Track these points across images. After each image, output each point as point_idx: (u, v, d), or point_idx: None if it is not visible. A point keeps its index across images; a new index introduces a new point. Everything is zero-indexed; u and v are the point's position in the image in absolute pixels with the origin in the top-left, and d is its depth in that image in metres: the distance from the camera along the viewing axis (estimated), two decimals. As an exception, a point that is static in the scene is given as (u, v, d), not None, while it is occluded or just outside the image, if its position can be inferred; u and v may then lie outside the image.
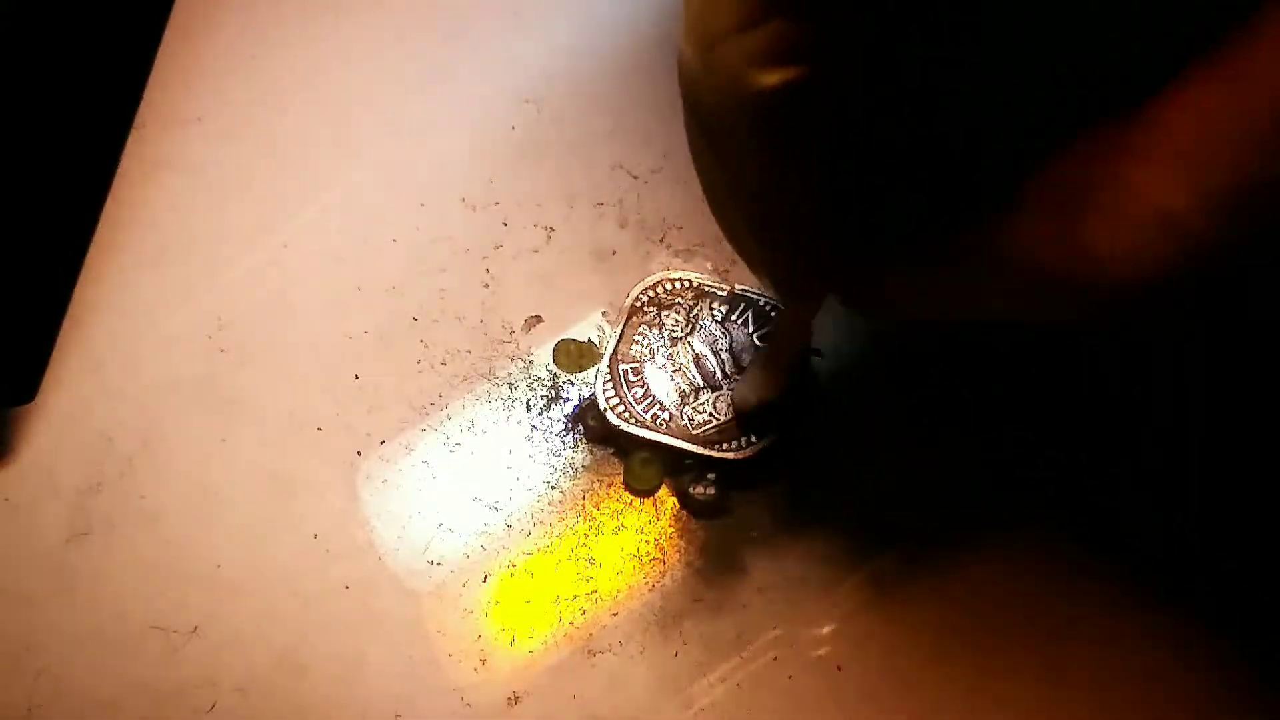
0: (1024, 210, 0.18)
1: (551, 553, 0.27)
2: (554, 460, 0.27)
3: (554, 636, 0.26)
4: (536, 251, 0.30)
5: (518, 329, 0.29)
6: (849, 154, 0.19)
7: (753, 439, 0.26)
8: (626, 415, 0.26)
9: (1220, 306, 0.18)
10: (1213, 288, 0.17)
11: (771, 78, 0.17)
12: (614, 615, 0.26)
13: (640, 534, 0.27)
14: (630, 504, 0.27)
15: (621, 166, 0.31)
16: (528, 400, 0.28)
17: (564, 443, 0.28)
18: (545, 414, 0.28)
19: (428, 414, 0.28)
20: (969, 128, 0.20)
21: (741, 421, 0.26)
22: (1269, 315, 0.18)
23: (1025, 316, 0.19)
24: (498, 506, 0.27)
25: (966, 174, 0.19)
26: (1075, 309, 0.18)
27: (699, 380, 0.27)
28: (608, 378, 0.27)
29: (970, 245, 0.19)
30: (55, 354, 0.28)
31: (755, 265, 0.22)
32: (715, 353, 0.27)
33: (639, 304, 0.28)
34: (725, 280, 0.28)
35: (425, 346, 0.29)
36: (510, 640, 0.26)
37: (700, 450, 0.26)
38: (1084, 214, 0.17)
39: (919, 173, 0.20)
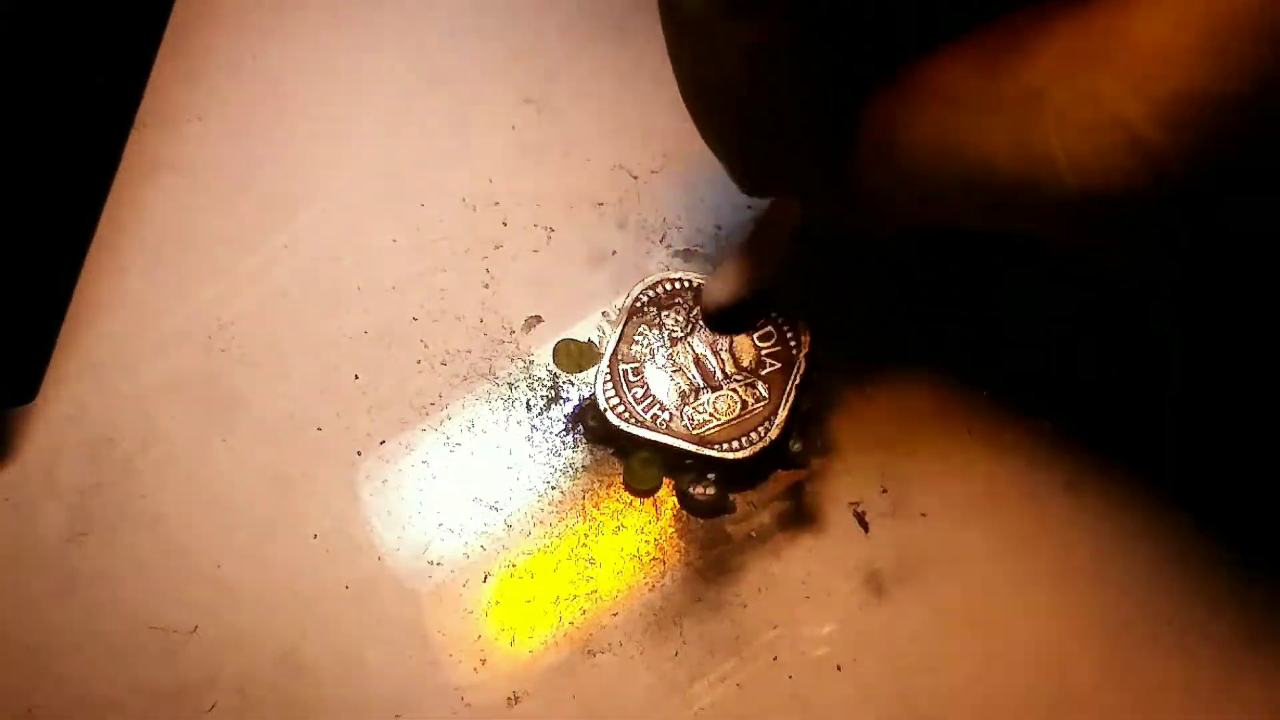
0: (965, 103, 0.18)
1: (551, 553, 0.27)
2: (554, 460, 0.27)
3: (554, 636, 0.26)
4: (536, 251, 0.30)
5: (518, 329, 0.29)
6: (818, 42, 0.19)
7: (753, 439, 0.26)
8: (626, 415, 0.26)
9: (1185, 234, 0.17)
10: (1175, 210, 0.16)
11: None
12: (614, 615, 0.26)
13: (640, 534, 0.27)
14: (630, 504, 0.27)
15: (621, 166, 0.31)
16: (528, 400, 0.28)
17: (564, 443, 0.28)
18: (545, 414, 0.28)
19: (428, 414, 0.28)
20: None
21: (709, 322, 0.26)
22: (1240, 254, 0.18)
23: (990, 223, 0.19)
24: (498, 506, 0.27)
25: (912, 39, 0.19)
26: (1034, 218, 0.18)
27: (699, 380, 0.27)
28: (608, 378, 0.27)
29: (919, 135, 0.19)
30: (55, 354, 0.28)
31: (732, 163, 0.22)
32: (715, 353, 0.27)
33: (639, 304, 0.28)
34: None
35: (425, 346, 0.29)
36: (510, 640, 0.26)
37: (700, 450, 0.26)
38: (1039, 114, 0.16)
39: (856, 55, 0.19)
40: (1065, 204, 0.17)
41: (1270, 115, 0.15)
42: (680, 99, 0.21)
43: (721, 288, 0.26)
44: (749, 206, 0.30)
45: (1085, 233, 0.17)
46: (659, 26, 0.20)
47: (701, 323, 0.27)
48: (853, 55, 0.19)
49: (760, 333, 0.27)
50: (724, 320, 0.26)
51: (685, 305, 0.28)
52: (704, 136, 0.22)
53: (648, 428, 0.26)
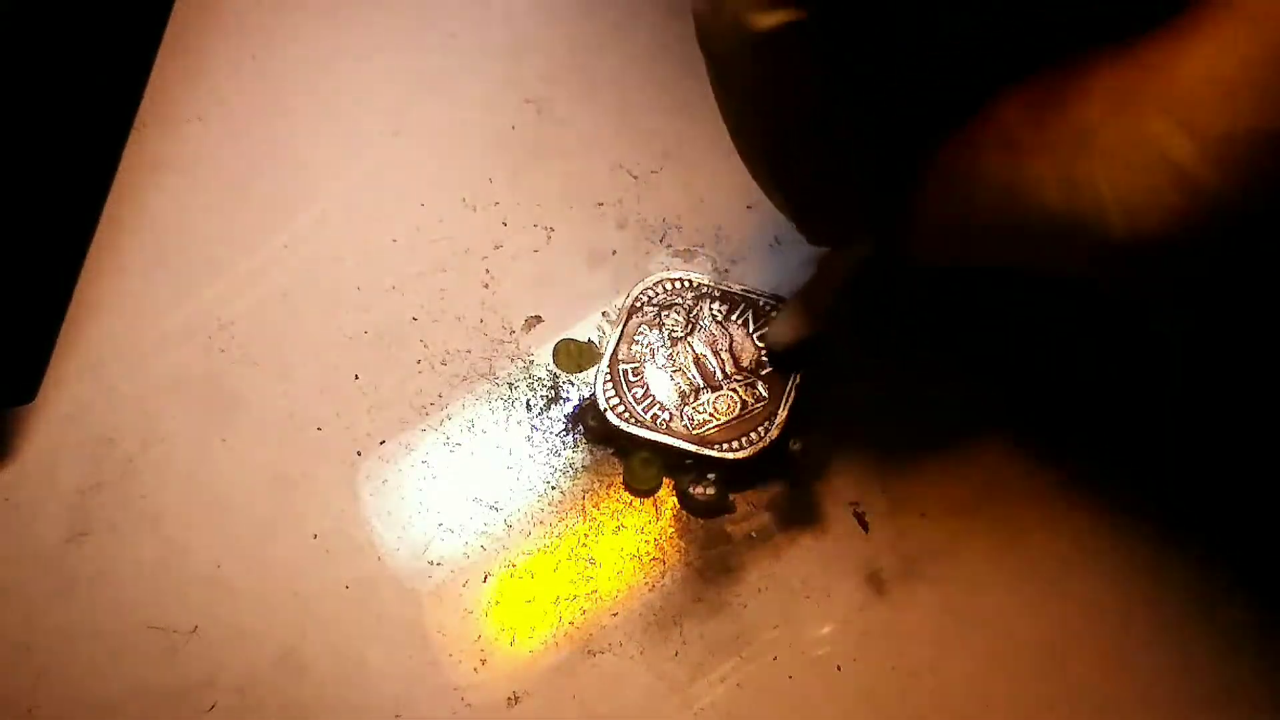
0: (1021, 145, 0.18)
1: (551, 553, 0.27)
2: (554, 460, 0.27)
3: (554, 636, 0.26)
4: (536, 251, 0.30)
5: (518, 329, 0.29)
6: (845, 91, 0.19)
7: (753, 439, 0.26)
8: (626, 415, 0.26)
9: (1230, 271, 0.17)
10: (1222, 248, 0.16)
11: (769, 19, 0.17)
12: (614, 615, 0.26)
13: (640, 534, 0.27)
14: (630, 504, 0.27)
15: (621, 166, 0.31)
16: (528, 400, 0.28)
17: (564, 443, 0.28)
18: (545, 414, 0.28)
19: (428, 414, 0.28)
20: (951, 57, 0.19)
21: (774, 360, 0.27)
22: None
23: (1040, 263, 0.19)
24: (498, 506, 0.27)
25: (951, 100, 0.19)
26: (1085, 260, 0.18)
27: (699, 380, 0.27)
28: (608, 378, 0.27)
29: (965, 172, 0.19)
30: (55, 354, 0.28)
31: (782, 207, 0.22)
32: (715, 353, 0.27)
33: (639, 304, 0.28)
34: (725, 280, 0.28)
35: (425, 346, 0.29)
36: (510, 640, 0.26)
37: (700, 450, 0.26)
38: (1087, 155, 0.17)
39: (909, 105, 0.20)
40: (1114, 245, 0.17)
41: None
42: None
43: (783, 330, 0.26)
44: (749, 207, 0.30)
45: (1135, 274, 0.18)
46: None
47: (702, 325, 0.27)
48: (897, 97, 0.20)
49: (760, 333, 0.27)
50: (788, 359, 0.27)
51: (685, 305, 0.28)
52: (757, 181, 0.22)
53: (648, 428, 0.26)
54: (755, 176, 0.22)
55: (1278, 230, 0.16)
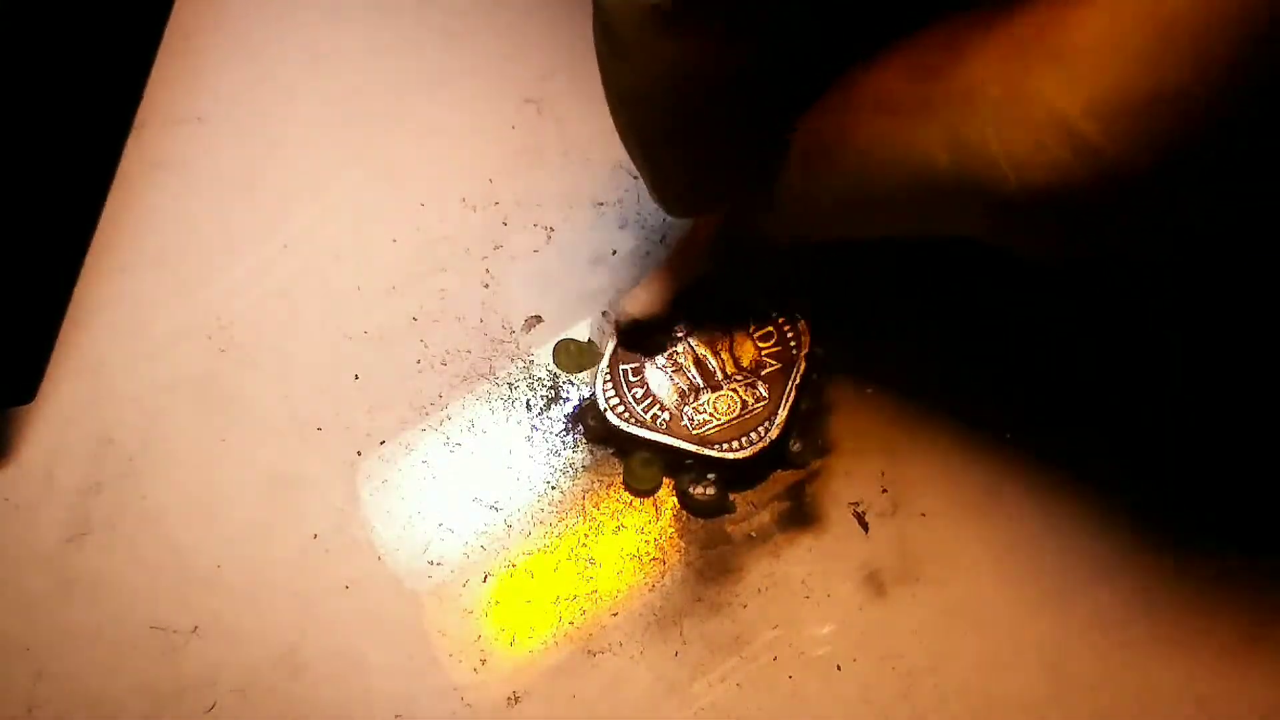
0: (902, 107, 0.17)
1: (551, 553, 0.27)
2: (554, 460, 0.27)
3: (554, 636, 0.26)
4: (536, 251, 0.30)
5: (518, 329, 0.29)
6: (750, 60, 0.19)
7: (753, 439, 0.26)
8: (626, 415, 0.26)
9: (1128, 234, 0.17)
10: (1115, 206, 0.16)
11: None
12: (614, 615, 0.26)
13: (640, 534, 0.27)
14: (630, 504, 0.27)
15: (621, 166, 0.31)
16: (528, 400, 0.28)
17: (564, 443, 0.28)
18: (545, 414, 0.28)
19: (428, 414, 0.28)
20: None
21: (622, 337, 0.27)
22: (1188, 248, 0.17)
23: (925, 228, 0.18)
24: (498, 506, 0.27)
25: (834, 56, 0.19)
26: (974, 219, 0.17)
27: (699, 380, 0.27)
28: (608, 378, 0.27)
29: (847, 138, 0.18)
30: (55, 354, 0.28)
31: (658, 181, 0.22)
32: (715, 353, 0.27)
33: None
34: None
35: (425, 346, 0.29)
36: (510, 640, 0.26)
37: (700, 450, 0.26)
38: (975, 113, 0.16)
39: (787, 76, 0.20)
40: (1005, 203, 0.16)
41: (1210, 111, 0.15)
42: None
43: (635, 302, 0.26)
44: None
45: (1025, 231, 0.17)
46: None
47: (702, 325, 0.27)
48: (784, 72, 0.19)
49: (760, 332, 0.27)
50: (634, 336, 0.27)
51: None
52: (631, 155, 0.22)
53: (648, 428, 0.26)
54: (631, 150, 0.22)
55: (1171, 191, 0.16)
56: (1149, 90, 0.15)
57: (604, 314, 0.29)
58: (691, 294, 0.27)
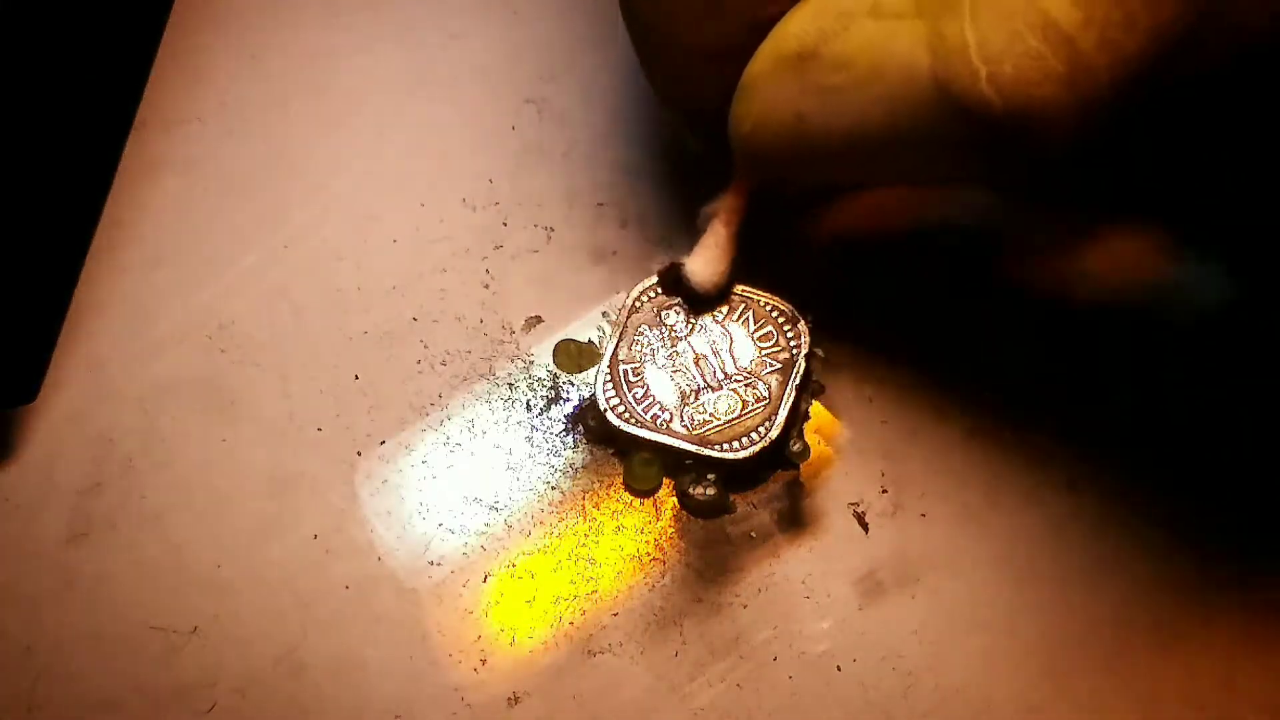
0: (882, 9, 0.17)
1: (551, 553, 0.27)
2: (554, 460, 0.27)
3: (554, 636, 0.26)
4: (536, 251, 0.30)
5: (518, 329, 0.29)
6: None
7: (753, 439, 0.26)
8: (626, 415, 0.26)
9: (1106, 156, 0.16)
10: (1098, 126, 0.16)
11: None
12: (614, 615, 0.26)
13: (640, 534, 0.27)
14: (630, 504, 0.27)
15: (622, 166, 0.31)
16: (528, 400, 0.28)
17: (564, 443, 0.28)
18: (545, 414, 0.28)
19: (428, 414, 0.28)
20: None
21: (694, 301, 0.27)
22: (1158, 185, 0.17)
23: (915, 156, 0.18)
24: (498, 506, 0.27)
25: None
26: (944, 130, 0.17)
27: (699, 380, 0.27)
28: (608, 378, 0.27)
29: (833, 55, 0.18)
30: (55, 354, 0.28)
31: (676, 100, 0.23)
32: (715, 353, 0.27)
33: (639, 304, 0.28)
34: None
35: (425, 346, 0.29)
36: (510, 640, 0.26)
37: (700, 450, 0.26)
38: (956, 8, 0.16)
39: None
40: (979, 105, 0.16)
41: (1204, 39, 0.14)
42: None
43: (703, 268, 0.26)
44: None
45: (1003, 149, 0.17)
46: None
47: (702, 325, 0.27)
48: None
49: (760, 333, 0.27)
50: (682, 292, 0.27)
51: (685, 305, 0.28)
52: (654, 76, 0.22)
53: (648, 428, 0.26)
54: (656, 73, 0.22)
55: (1141, 94, 0.15)
56: (1143, 8, 0.15)
57: (604, 314, 0.29)
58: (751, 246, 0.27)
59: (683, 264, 0.27)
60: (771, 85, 0.20)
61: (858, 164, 0.20)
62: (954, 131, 0.17)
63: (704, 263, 0.26)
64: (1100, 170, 0.17)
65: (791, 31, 0.19)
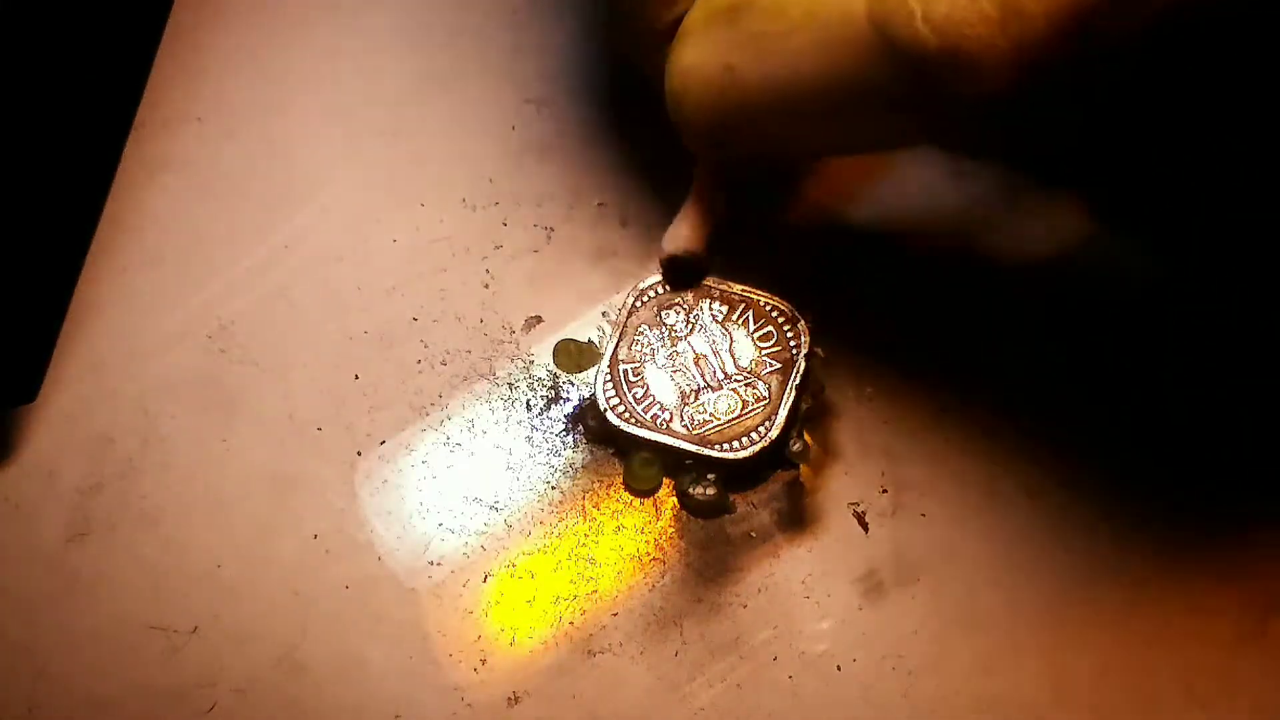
0: None
1: (551, 553, 0.27)
2: (554, 460, 0.27)
3: (554, 636, 0.26)
4: (536, 251, 0.30)
5: (518, 329, 0.29)
6: None
7: (753, 439, 0.26)
8: (627, 415, 0.26)
9: (1045, 118, 0.16)
10: (1038, 88, 0.16)
11: None
12: (614, 615, 0.26)
13: (640, 534, 0.27)
14: (630, 504, 0.27)
15: (621, 166, 0.31)
16: (528, 400, 0.28)
17: (564, 443, 0.28)
18: (545, 414, 0.28)
19: (428, 414, 0.28)
20: None
21: (669, 275, 0.27)
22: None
23: (852, 115, 0.18)
24: (498, 506, 0.27)
25: None
26: (882, 84, 0.17)
27: (699, 380, 0.27)
28: (608, 378, 0.27)
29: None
30: (55, 354, 0.28)
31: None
32: (716, 353, 0.27)
33: (639, 304, 0.28)
34: (725, 280, 0.28)
35: (425, 346, 0.29)
36: (510, 640, 0.26)
37: (700, 450, 0.26)
38: None
39: None
40: (916, 51, 0.16)
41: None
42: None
43: (686, 235, 0.26)
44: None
45: (936, 97, 0.16)
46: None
47: (702, 325, 0.27)
48: None
49: (760, 333, 0.27)
50: (680, 274, 0.27)
51: (685, 305, 0.28)
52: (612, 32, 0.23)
53: (648, 428, 0.26)
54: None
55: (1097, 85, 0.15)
56: None
57: (604, 314, 0.29)
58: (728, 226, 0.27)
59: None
60: (702, 37, 0.20)
61: (791, 124, 0.20)
62: (889, 78, 0.17)
63: (677, 232, 0.27)
64: (1037, 133, 0.17)
65: None
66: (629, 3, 0.21)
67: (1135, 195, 0.26)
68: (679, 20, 0.21)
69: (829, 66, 0.18)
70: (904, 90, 0.17)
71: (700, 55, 0.20)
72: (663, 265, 0.27)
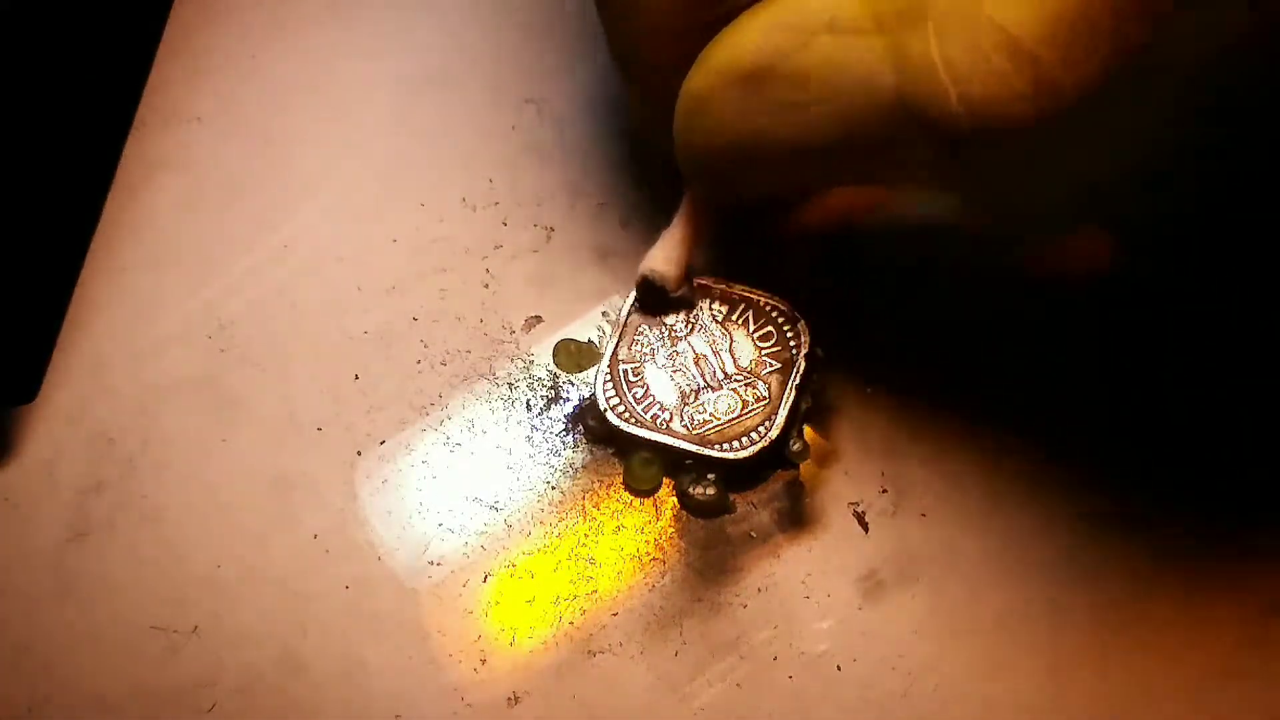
0: (838, 24, 0.17)
1: (551, 553, 0.27)
2: (554, 460, 0.27)
3: (554, 636, 0.26)
4: (536, 251, 0.30)
5: (518, 329, 0.29)
6: None
7: (753, 439, 0.26)
8: (627, 415, 0.26)
9: (1062, 161, 0.17)
10: (1056, 133, 0.16)
11: None
12: (614, 615, 0.26)
13: (640, 534, 0.27)
14: (630, 504, 0.27)
15: (623, 166, 0.31)
16: (528, 400, 0.28)
17: (564, 443, 0.28)
18: (545, 414, 0.28)
19: (428, 414, 0.28)
20: None
21: (642, 299, 0.27)
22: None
23: (871, 166, 0.18)
24: (498, 506, 0.27)
25: None
26: (908, 147, 0.17)
27: (699, 380, 0.27)
28: (608, 378, 0.27)
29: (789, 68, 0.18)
30: (55, 354, 0.28)
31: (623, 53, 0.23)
32: (716, 353, 0.27)
33: (639, 304, 0.28)
34: (725, 280, 0.28)
35: (425, 346, 0.29)
36: (510, 640, 0.26)
37: (700, 450, 0.26)
38: (922, 25, 0.16)
39: None
40: (946, 122, 0.16)
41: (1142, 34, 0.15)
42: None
43: (665, 258, 0.26)
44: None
45: (964, 164, 0.17)
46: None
47: (702, 325, 0.27)
48: None
49: (760, 332, 0.27)
50: (657, 297, 0.27)
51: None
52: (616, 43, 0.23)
53: (648, 428, 0.26)
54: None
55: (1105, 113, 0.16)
56: (1097, 13, 0.15)
57: (604, 314, 0.29)
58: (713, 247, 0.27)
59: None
60: (724, 102, 0.20)
61: (809, 173, 0.20)
62: (913, 143, 0.17)
63: (654, 253, 0.26)
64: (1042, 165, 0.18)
65: (745, 48, 0.19)
66: (632, 4, 0.21)
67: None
68: (690, 27, 0.21)
69: (853, 132, 0.18)
70: (928, 152, 0.17)
71: (722, 119, 0.20)
72: (637, 284, 0.27)
